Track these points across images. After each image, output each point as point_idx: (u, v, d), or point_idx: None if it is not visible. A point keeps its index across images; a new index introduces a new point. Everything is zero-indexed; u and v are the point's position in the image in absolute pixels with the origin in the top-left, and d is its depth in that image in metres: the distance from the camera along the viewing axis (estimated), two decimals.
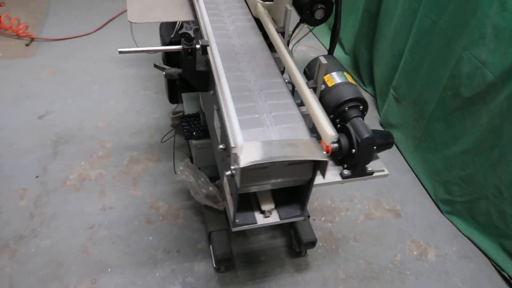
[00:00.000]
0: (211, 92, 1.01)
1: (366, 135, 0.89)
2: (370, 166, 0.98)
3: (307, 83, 0.93)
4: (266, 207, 0.96)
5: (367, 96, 2.72)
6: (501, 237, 1.75)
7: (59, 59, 2.78)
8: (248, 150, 0.79)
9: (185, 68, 1.00)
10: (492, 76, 1.61)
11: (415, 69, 2.10)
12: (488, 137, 1.68)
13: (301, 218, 0.99)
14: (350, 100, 0.95)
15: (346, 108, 0.96)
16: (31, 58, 2.75)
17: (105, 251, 1.73)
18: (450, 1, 1.79)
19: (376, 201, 2.06)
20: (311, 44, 3.19)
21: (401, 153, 2.33)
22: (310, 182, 0.90)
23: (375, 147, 0.92)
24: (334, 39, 1.35)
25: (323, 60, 0.89)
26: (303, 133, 0.86)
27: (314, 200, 2.03)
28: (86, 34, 3.07)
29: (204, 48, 0.98)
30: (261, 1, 1.23)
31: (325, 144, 0.87)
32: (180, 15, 1.16)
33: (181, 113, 2.05)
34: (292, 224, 1.74)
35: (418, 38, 2.05)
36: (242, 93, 0.95)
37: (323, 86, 0.98)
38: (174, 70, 1.01)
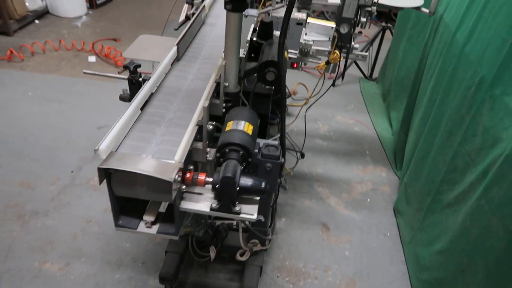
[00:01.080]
0: None
1: (227, 174, 1.01)
2: (240, 207, 1.07)
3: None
4: (146, 217, 1.12)
5: (394, 179, 2.65)
6: None
7: None
8: (114, 156, 0.99)
9: (131, 94, 1.28)
10: (474, 175, 1.53)
11: (422, 158, 2.05)
12: (459, 239, 1.56)
13: (175, 237, 1.11)
14: (233, 144, 1.08)
15: (227, 150, 1.09)
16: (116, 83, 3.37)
17: (88, 243, 2.01)
18: (455, 95, 1.77)
19: (350, 281, 1.98)
20: (360, 118, 3.24)
21: (401, 242, 2.20)
22: (174, 203, 1.04)
23: (237, 188, 1.03)
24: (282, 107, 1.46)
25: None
26: (174, 157, 1.02)
27: (287, 259, 2.04)
28: None
29: (143, 81, 1.24)
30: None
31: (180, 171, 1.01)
32: (161, 57, 1.45)
33: None
34: (244, 270, 1.80)
35: (431, 127, 2.01)
36: (153, 117, 1.16)
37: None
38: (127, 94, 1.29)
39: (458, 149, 1.68)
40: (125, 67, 1.22)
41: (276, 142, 1.56)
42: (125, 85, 1.33)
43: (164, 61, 1.35)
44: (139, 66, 1.24)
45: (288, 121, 2.84)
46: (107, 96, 3.13)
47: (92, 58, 3.70)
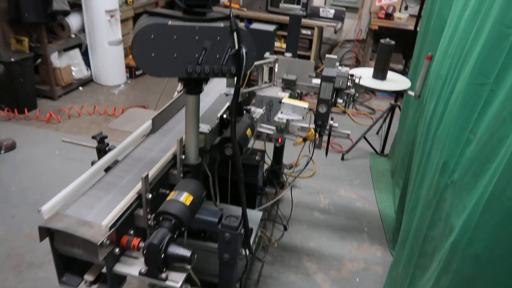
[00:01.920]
0: None
1: (152, 241, 1.09)
2: (166, 274, 1.13)
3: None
4: (87, 277, 1.21)
5: (389, 260, 2.56)
6: None
7: None
8: (58, 217, 1.12)
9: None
10: (436, 262, 1.49)
11: (403, 241, 1.99)
12: None
13: None
14: (167, 213, 1.17)
15: (161, 218, 1.18)
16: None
17: None
18: (427, 179, 1.77)
19: None
20: (365, 194, 3.21)
21: None
22: (106, 265, 1.13)
23: (162, 255, 1.10)
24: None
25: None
26: (105, 221, 1.13)
27: None
28: None
29: (109, 149, 1.40)
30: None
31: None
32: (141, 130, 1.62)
33: None
34: None
35: (410, 209, 1.99)
36: (106, 185, 1.30)
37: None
38: None
39: (427, 233, 1.65)
40: (93, 137, 1.39)
41: (238, 214, 1.63)
42: None
43: (133, 133, 1.52)
44: (106, 137, 1.41)
45: (288, 192, 2.89)
46: None
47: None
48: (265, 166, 2.83)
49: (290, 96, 2.10)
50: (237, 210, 1.91)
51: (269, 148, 2.42)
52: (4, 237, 2.49)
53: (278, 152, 2.83)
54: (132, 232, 1.22)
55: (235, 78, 1.27)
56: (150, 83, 5.11)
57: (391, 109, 3.65)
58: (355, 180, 3.42)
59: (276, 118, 1.87)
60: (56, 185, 3.01)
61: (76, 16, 4.43)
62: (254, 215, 1.98)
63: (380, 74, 2.29)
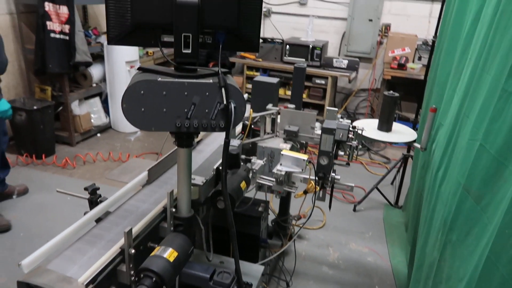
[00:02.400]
0: None
1: None
2: None
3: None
4: None
5: None
6: None
7: None
8: (38, 271, 1.11)
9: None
10: None
11: None
12: None
13: None
14: (148, 270, 1.14)
15: (142, 275, 1.14)
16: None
17: None
18: (431, 237, 1.68)
19: None
20: (377, 248, 3.07)
21: None
22: None
23: None
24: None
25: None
26: (82, 278, 1.10)
27: None
28: None
29: (100, 200, 1.40)
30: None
31: None
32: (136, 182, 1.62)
33: None
34: None
35: (416, 268, 1.88)
36: (93, 237, 1.28)
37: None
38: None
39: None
40: (85, 189, 1.40)
41: (231, 270, 1.58)
42: None
43: (127, 184, 1.52)
44: (98, 188, 1.42)
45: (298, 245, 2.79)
46: None
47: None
48: (273, 217, 2.77)
49: (292, 148, 2.09)
50: (247, 266, 1.84)
51: (277, 199, 2.38)
52: (5, 286, 2.47)
53: (285, 202, 2.78)
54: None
55: (224, 133, 1.28)
56: (165, 131, 5.22)
57: (404, 159, 3.58)
58: (367, 232, 3.29)
59: (275, 170, 1.85)
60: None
61: (98, 67, 4.66)
62: (255, 270, 1.90)
63: (385, 125, 2.26)
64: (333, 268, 2.84)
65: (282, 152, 1.87)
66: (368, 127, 2.25)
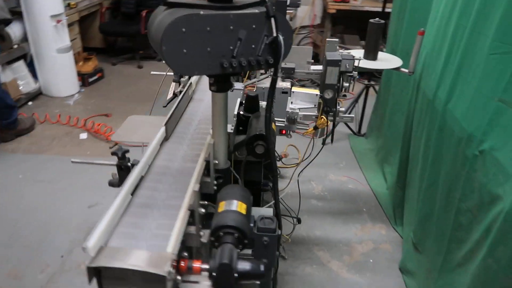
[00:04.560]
0: None
1: (223, 261, 0.96)
2: None
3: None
4: None
5: (395, 236, 2.59)
6: None
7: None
8: (104, 252, 0.95)
9: (120, 179, 1.26)
10: (479, 232, 1.49)
11: (427, 216, 2.01)
12: None
13: None
14: (227, 226, 1.05)
15: (221, 233, 1.05)
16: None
17: None
18: (448, 151, 1.78)
19: None
20: (354, 175, 3.23)
21: None
22: None
23: (235, 275, 0.98)
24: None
25: None
26: (167, 247, 0.98)
27: None
28: None
29: (132, 166, 1.23)
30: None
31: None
32: (150, 138, 1.45)
33: None
34: None
35: (429, 184, 1.99)
36: (145, 200, 1.14)
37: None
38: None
39: (459, 205, 1.66)
40: (113, 154, 1.21)
41: (271, 214, 1.52)
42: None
43: (152, 143, 1.35)
44: (127, 151, 1.24)
45: (282, 184, 2.81)
46: (97, 173, 3.10)
47: (83, 135, 3.73)
48: None
49: (293, 85, 2.02)
50: (257, 211, 1.79)
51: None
52: None
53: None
54: (186, 254, 1.07)
55: (271, 69, 1.17)
56: (106, 90, 4.78)
57: (366, 89, 3.70)
58: (340, 162, 3.43)
59: (288, 109, 1.78)
60: (31, 212, 2.73)
61: (17, 24, 3.99)
62: (268, 212, 1.89)
63: (371, 54, 2.27)
64: (321, 200, 2.94)
65: (293, 89, 1.80)
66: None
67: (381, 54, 2.36)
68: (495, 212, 1.36)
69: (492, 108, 1.44)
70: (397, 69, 2.29)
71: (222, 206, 1.13)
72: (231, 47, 1.10)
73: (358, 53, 2.36)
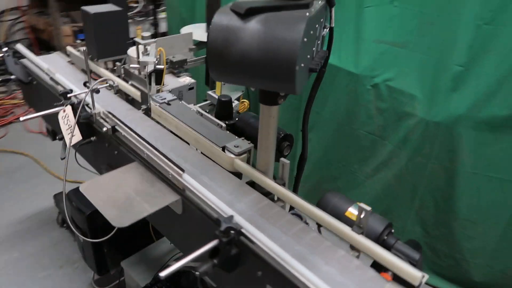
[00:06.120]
0: None
1: (417, 256, 0.96)
2: None
3: (352, 229, 0.94)
4: None
5: None
6: None
7: None
8: None
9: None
10: (390, 145, 1.96)
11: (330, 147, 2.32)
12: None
13: None
14: (385, 228, 1.01)
15: (385, 237, 0.99)
16: None
17: None
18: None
19: None
20: None
21: None
22: None
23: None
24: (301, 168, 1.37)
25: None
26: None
27: None
28: None
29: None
30: (238, 157, 1.18)
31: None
32: None
33: None
34: None
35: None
36: None
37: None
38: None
39: (358, 132, 2.06)
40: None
41: None
42: None
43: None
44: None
45: None
46: None
47: None
48: None
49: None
50: None
51: None
52: None
53: None
54: None
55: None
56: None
57: None
58: None
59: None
60: None
61: None
62: None
63: None
64: None
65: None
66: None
67: None
68: (411, 124, 1.85)
69: (373, 50, 1.86)
70: None
71: (354, 215, 1.05)
72: (314, 48, 0.99)
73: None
